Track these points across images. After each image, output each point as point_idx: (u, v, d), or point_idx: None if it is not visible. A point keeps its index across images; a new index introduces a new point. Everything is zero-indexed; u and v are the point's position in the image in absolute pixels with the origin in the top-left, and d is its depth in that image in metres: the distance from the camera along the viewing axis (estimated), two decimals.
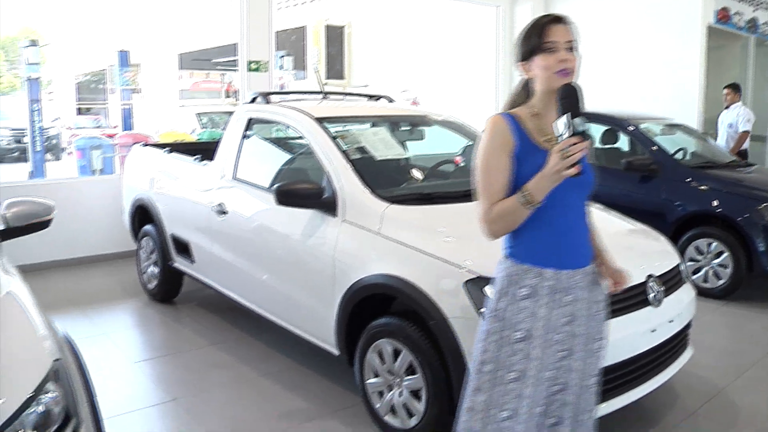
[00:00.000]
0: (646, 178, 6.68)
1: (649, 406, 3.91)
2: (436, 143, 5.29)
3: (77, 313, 5.59)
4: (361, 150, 4.39)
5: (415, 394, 3.39)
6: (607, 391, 3.12)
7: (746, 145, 9.27)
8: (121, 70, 19.40)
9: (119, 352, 4.85)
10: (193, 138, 16.10)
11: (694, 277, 6.16)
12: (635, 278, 3.36)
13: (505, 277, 2.30)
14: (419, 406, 3.37)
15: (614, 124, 7.28)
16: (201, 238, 5.10)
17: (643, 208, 6.31)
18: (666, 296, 3.56)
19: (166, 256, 5.63)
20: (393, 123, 5.06)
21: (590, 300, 2.35)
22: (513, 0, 11.19)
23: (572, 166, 2.01)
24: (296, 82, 18.99)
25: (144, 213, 5.99)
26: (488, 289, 3.08)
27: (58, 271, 6.85)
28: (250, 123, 4.97)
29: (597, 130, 7.29)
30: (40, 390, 1.89)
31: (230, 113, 5.44)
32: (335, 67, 19.05)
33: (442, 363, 3.23)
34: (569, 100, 2.07)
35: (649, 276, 3.52)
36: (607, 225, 3.74)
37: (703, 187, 6.39)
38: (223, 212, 4.76)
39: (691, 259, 6.25)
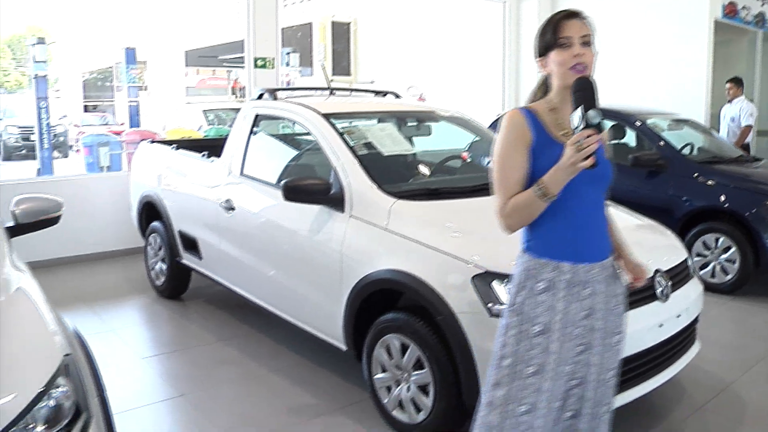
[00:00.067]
0: (653, 174, 6.67)
1: (657, 401, 3.91)
2: (443, 139, 5.29)
3: (86, 310, 5.61)
4: (369, 146, 4.40)
5: (423, 389, 3.40)
6: (615, 386, 3.12)
7: (749, 139, 9.25)
8: (127, 67, 19.49)
9: (127, 348, 4.87)
10: (200, 135, 16.12)
11: (702, 272, 6.15)
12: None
13: (522, 271, 2.31)
14: (427, 401, 3.37)
15: (621, 120, 7.26)
16: (208, 235, 5.11)
17: (651, 204, 6.31)
18: (673, 291, 3.55)
19: (173, 253, 5.65)
20: (400, 119, 5.06)
21: (608, 294, 2.35)
22: None
23: (587, 158, 2.01)
24: (302, 79, 18.99)
25: (152, 209, 6.01)
26: (495, 284, 3.10)
27: (66, 268, 6.88)
28: (257, 119, 4.97)
29: (604, 126, 7.26)
30: (51, 384, 1.90)
31: (237, 110, 5.45)
32: (341, 64, 19.06)
33: (449, 358, 3.23)
34: (584, 93, 2.08)
35: (657, 271, 3.52)
36: (615, 220, 3.73)
37: (710, 183, 6.37)
38: (231, 208, 4.77)
39: (699, 255, 6.24)
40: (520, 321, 2.27)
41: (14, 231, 3.03)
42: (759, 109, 9.92)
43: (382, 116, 4.99)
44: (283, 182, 3.93)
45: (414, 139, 5.05)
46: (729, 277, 6.11)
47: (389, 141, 4.48)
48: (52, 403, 1.88)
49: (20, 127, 21.74)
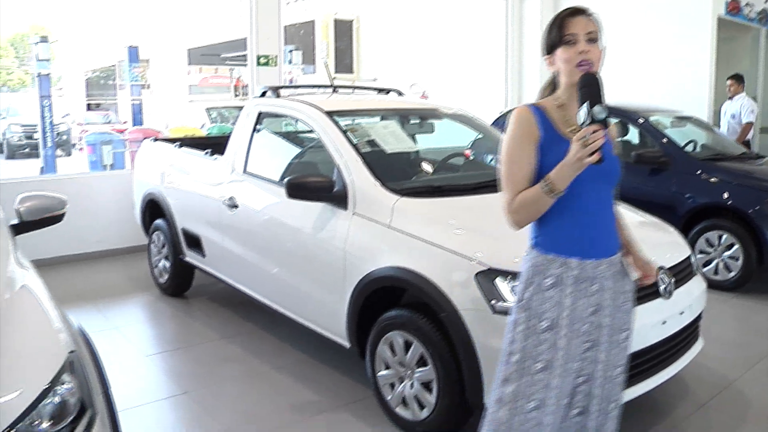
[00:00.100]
0: (656, 171, 6.66)
1: (660, 398, 3.91)
2: (446, 136, 5.30)
3: (89, 307, 5.62)
4: (372, 143, 4.40)
5: (426, 385, 3.40)
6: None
7: (750, 136, 9.24)
8: (130, 65, 19.47)
9: (131, 345, 4.88)
10: (202, 133, 16.13)
11: (705, 269, 6.15)
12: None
13: (530, 267, 2.32)
14: (430, 398, 3.38)
15: (624, 117, 7.26)
16: (212, 232, 5.12)
17: (654, 201, 6.30)
18: (677, 288, 3.55)
19: (177, 250, 5.66)
20: (403, 116, 5.06)
21: (616, 290, 2.35)
22: None
23: (593, 153, 2.02)
24: (305, 77, 18.98)
25: (155, 207, 6.02)
26: (499, 281, 3.11)
27: (69, 266, 6.89)
28: (260, 117, 4.98)
29: (610, 121, 7.26)
30: (56, 381, 1.91)
31: (239, 108, 5.45)
32: (344, 62, 19.03)
33: (453, 355, 3.24)
34: (589, 89, 2.09)
35: (660, 268, 3.51)
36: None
37: (713, 180, 6.37)
38: (234, 206, 4.77)
39: (702, 252, 6.23)
40: (528, 317, 2.28)
41: (19, 228, 3.04)
42: (762, 105, 9.91)
43: (385, 114, 5.00)
44: (286, 180, 3.94)
45: (417, 136, 5.05)
46: (732, 274, 6.10)
47: (392, 138, 4.48)
48: (57, 399, 1.89)
49: (23, 126, 21.80)
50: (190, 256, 5.54)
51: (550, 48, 2.27)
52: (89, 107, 32.66)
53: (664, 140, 6.82)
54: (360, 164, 3.97)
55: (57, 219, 3.21)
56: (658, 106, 7.87)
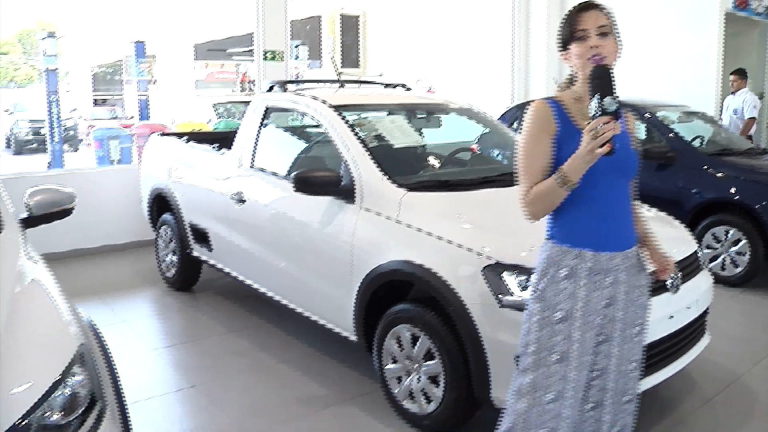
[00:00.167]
0: (663, 166, 6.65)
1: (667, 393, 3.92)
2: (453, 131, 5.30)
3: (97, 301, 5.64)
4: (379, 138, 4.41)
5: (434, 379, 3.41)
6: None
7: (752, 131, 9.22)
8: (137, 61, 19.49)
9: (139, 339, 4.90)
10: (209, 128, 16.15)
11: (712, 264, 6.14)
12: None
13: (545, 258, 2.34)
14: (437, 392, 3.39)
15: (631, 112, 7.21)
16: (219, 227, 5.13)
17: (660, 196, 6.28)
18: (684, 283, 3.55)
19: (184, 245, 5.67)
20: (410, 111, 5.06)
21: (630, 284, 2.36)
22: None
23: (603, 145, 2.03)
24: (311, 72, 18.97)
25: (162, 202, 6.04)
26: (506, 275, 3.11)
27: (77, 261, 6.91)
28: (268, 111, 4.98)
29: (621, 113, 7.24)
30: (66, 373, 1.93)
31: (246, 103, 5.46)
32: (350, 56, 19.02)
33: (460, 348, 3.24)
34: (600, 80, 2.11)
35: None
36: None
37: (720, 175, 6.36)
38: (241, 200, 4.79)
39: (708, 247, 6.23)
40: (543, 307, 2.30)
41: (28, 222, 3.06)
42: None
43: (392, 108, 5.00)
44: (293, 174, 3.95)
45: (424, 131, 5.05)
46: (739, 269, 6.10)
47: (399, 133, 4.48)
48: (68, 391, 1.91)
49: (31, 121, 21.83)
50: (198, 251, 5.55)
51: (563, 44, 2.30)
52: (95, 102, 32.70)
53: (671, 135, 6.80)
54: (367, 158, 3.98)
55: (66, 213, 3.22)
56: (665, 101, 7.86)
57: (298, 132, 5.31)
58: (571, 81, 2.38)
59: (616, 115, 2.05)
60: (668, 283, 3.43)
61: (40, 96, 15.45)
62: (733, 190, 6.21)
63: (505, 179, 4.00)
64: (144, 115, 19.33)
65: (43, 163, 15.18)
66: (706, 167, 6.46)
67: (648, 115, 7.06)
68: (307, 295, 4.31)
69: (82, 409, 1.92)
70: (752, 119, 9.10)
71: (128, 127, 17.76)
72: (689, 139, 6.83)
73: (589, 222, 2.28)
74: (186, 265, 5.77)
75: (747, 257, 6.04)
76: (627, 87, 8.51)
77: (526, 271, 3.05)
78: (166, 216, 5.92)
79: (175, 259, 5.85)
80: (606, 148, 2.03)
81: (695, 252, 3.89)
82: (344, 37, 19.09)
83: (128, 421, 2.31)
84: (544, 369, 2.30)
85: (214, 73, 29.06)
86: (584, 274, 2.27)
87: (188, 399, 3.98)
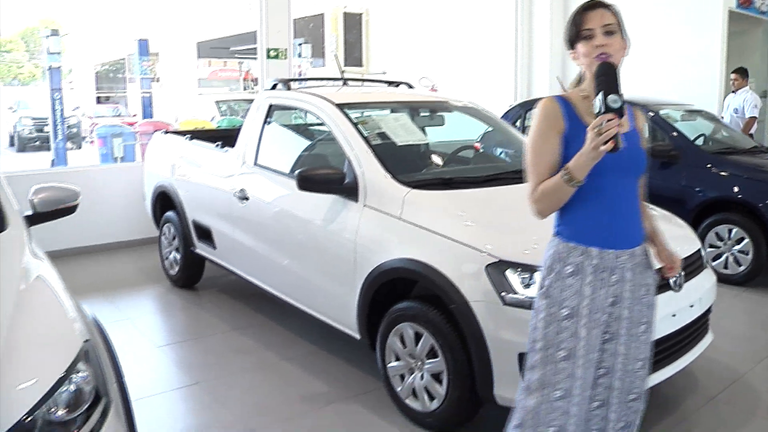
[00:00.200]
0: (666, 165, 6.64)
1: (669, 391, 3.92)
2: (456, 129, 5.30)
3: (101, 299, 5.65)
4: (382, 135, 4.41)
5: (437, 377, 3.42)
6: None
7: (753, 130, 9.21)
8: (140, 59, 19.51)
9: (143, 336, 4.91)
10: (212, 125, 16.16)
11: (715, 263, 6.13)
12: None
13: (552, 255, 2.34)
14: (440, 390, 3.39)
15: (641, 110, 7.21)
16: (222, 224, 5.14)
17: (663, 195, 6.26)
18: (686, 281, 3.54)
19: (187, 242, 5.68)
20: (413, 109, 5.07)
21: (636, 282, 2.36)
22: None
23: (607, 142, 2.03)
24: (314, 70, 18.98)
25: (166, 200, 6.05)
26: (509, 273, 3.12)
27: (81, 258, 6.92)
28: (271, 109, 4.99)
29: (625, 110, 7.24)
30: (71, 370, 1.94)
31: (249, 101, 5.47)
32: (353, 55, 19.01)
33: (463, 346, 3.25)
34: (605, 78, 2.11)
35: None
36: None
37: (723, 173, 6.35)
38: (245, 198, 4.79)
39: (712, 246, 6.22)
40: (549, 304, 2.31)
41: (32, 219, 3.07)
42: None
43: (396, 106, 5.00)
44: (297, 172, 3.95)
45: (427, 129, 5.06)
46: (742, 268, 6.09)
47: (403, 131, 4.48)
48: (72, 387, 1.91)
49: (34, 119, 21.87)
50: (201, 248, 5.56)
51: (570, 44, 2.31)
52: (99, 100, 32.75)
53: (675, 134, 6.80)
54: (371, 156, 3.98)
55: (70, 210, 3.23)
56: (669, 100, 7.85)
57: (302, 130, 5.32)
58: (580, 79, 2.39)
59: (620, 112, 2.05)
60: (671, 281, 3.43)
61: (44, 94, 15.46)
62: (736, 189, 6.20)
63: (509, 177, 4.01)
64: (147, 112, 19.35)
65: (46, 160, 15.19)
66: (709, 166, 6.45)
67: (651, 114, 7.05)
68: (311, 293, 4.31)
69: (87, 405, 1.93)
70: (753, 118, 9.09)
71: (131, 124, 17.75)
72: (692, 138, 6.83)
73: (595, 219, 2.29)
74: (189, 263, 5.78)
75: (750, 256, 6.03)
76: (630, 85, 8.53)
77: (529, 268, 3.05)
78: (170, 213, 5.93)
79: (178, 256, 5.86)
80: (610, 145, 2.03)
81: (698, 250, 3.89)
82: (347, 35, 19.08)
83: (133, 417, 2.31)
84: (551, 366, 2.30)
85: (217, 71, 29.12)
86: (590, 271, 2.28)
87: (192, 396, 3.99)
